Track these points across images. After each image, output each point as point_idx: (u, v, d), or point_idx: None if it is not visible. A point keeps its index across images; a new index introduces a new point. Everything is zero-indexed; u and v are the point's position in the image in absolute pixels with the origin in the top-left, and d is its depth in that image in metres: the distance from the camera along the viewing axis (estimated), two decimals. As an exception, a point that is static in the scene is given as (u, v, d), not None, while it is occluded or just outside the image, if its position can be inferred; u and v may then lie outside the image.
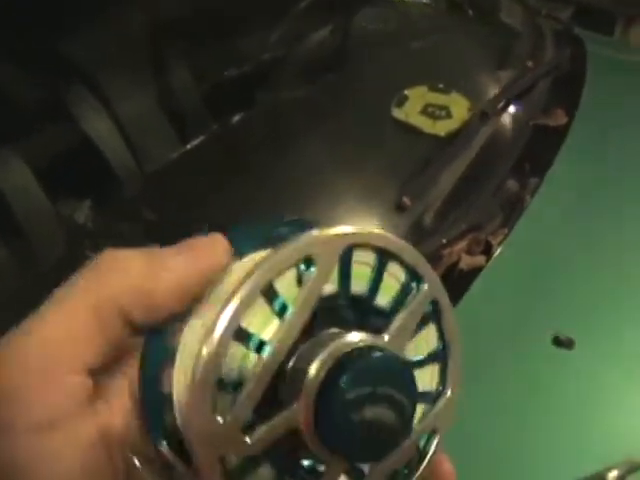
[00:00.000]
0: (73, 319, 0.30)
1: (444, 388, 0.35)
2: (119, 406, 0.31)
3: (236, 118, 1.28)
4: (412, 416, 0.31)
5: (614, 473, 0.71)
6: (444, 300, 0.34)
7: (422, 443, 0.34)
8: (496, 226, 0.97)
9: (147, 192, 1.18)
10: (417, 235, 0.94)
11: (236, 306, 0.29)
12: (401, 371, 0.31)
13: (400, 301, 0.33)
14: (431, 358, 0.34)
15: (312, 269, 0.30)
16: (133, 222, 1.12)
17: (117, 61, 1.27)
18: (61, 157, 1.11)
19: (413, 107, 1.11)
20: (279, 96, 1.29)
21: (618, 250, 0.94)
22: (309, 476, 0.31)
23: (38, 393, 0.29)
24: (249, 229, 0.34)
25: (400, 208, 0.94)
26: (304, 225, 0.33)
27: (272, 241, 0.31)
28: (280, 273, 0.30)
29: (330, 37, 1.29)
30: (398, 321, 0.33)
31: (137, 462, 0.29)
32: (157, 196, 1.18)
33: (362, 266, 0.32)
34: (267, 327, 0.30)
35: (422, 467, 0.34)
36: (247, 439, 0.29)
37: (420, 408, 0.34)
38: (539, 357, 0.84)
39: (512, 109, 1.12)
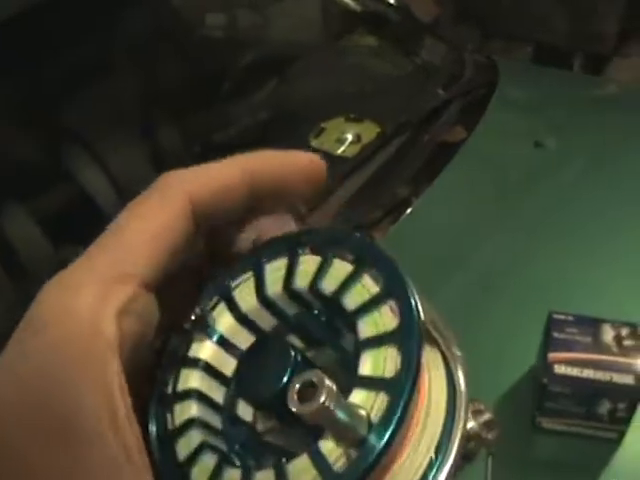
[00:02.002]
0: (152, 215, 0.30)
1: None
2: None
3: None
4: None
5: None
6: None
7: None
8: (384, 225, 1.13)
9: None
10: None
11: None
12: None
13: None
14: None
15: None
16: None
17: (110, 124, 1.42)
18: (61, 208, 1.26)
19: (329, 136, 1.30)
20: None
21: (469, 235, 1.11)
22: None
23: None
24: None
25: (299, 216, 1.12)
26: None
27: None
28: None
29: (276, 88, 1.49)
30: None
31: None
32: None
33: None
34: None
35: None
36: None
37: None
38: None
39: (417, 130, 1.29)
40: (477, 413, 0.78)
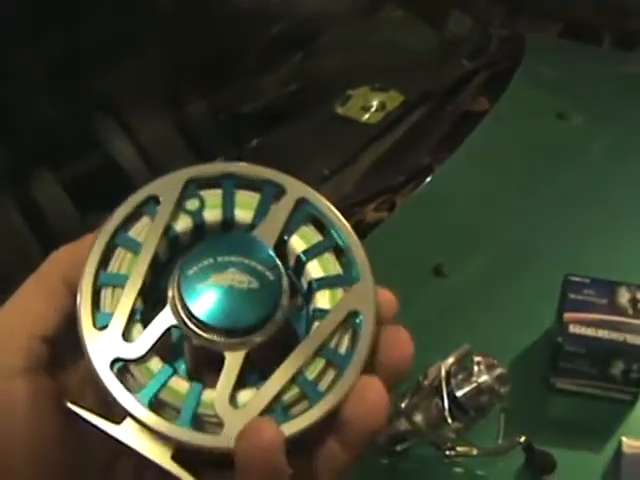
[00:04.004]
0: (25, 296, 0.35)
1: (349, 272, 0.35)
2: (74, 372, 0.35)
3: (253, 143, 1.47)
4: (278, 277, 0.33)
5: (450, 360, 0.86)
6: (313, 196, 0.35)
7: (354, 327, 0.34)
8: (406, 190, 1.15)
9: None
10: (336, 198, 1.12)
11: (92, 261, 0.33)
12: (246, 241, 0.33)
13: (263, 211, 0.35)
14: (319, 248, 0.35)
15: (158, 207, 0.34)
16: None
17: (140, 94, 1.45)
18: (90, 176, 1.28)
19: (355, 104, 1.31)
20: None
21: (490, 204, 1.12)
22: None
23: None
24: None
25: (322, 178, 1.14)
26: None
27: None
28: (128, 220, 0.34)
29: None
30: (266, 220, 0.35)
31: (74, 407, 0.32)
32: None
33: (214, 196, 0.35)
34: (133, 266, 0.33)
35: (358, 346, 0.33)
36: (132, 343, 0.32)
37: (337, 292, 0.34)
38: (422, 284, 1.01)
39: (441, 99, 1.30)
40: (490, 367, 0.80)
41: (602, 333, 0.84)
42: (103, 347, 0.31)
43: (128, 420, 0.31)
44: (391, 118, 1.23)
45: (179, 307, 0.32)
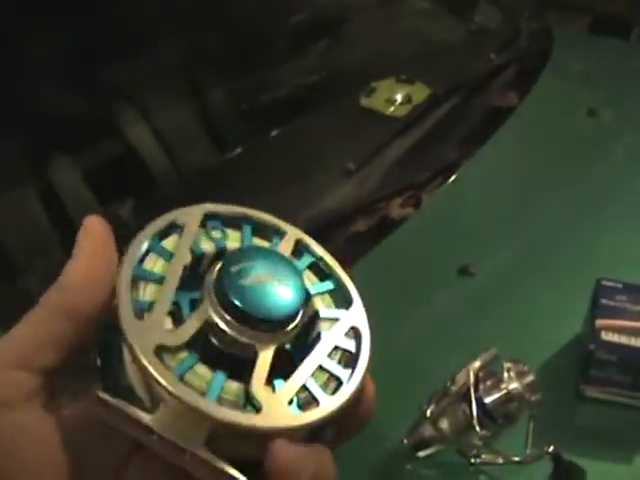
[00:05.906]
0: (25, 327, 0.34)
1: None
2: (75, 402, 0.34)
3: (273, 133, 1.45)
4: (301, 283, 0.37)
5: (476, 364, 0.83)
6: (308, 240, 0.40)
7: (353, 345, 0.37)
8: (433, 186, 1.12)
9: (182, 192, 1.35)
10: (360, 192, 1.10)
11: (131, 256, 0.35)
12: (279, 256, 0.38)
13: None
14: (321, 288, 0.39)
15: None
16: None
17: (158, 82, 1.44)
18: (109, 163, 1.28)
19: (380, 96, 1.28)
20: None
21: (519, 202, 1.09)
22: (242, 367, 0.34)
23: None
24: None
25: (347, 172, 1.12)
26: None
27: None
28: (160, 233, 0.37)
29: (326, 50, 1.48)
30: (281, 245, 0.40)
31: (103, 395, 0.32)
32: (191, 196, 1.34)
33: (234, 234, 0.39)
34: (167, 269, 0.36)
35: (359, 362, 0.36)
36: (172, 332, 0.33)
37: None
38: (447, 283, 0.99)
39: (469, 94, 1.27)
40: (520, 374, 0.78)
41: (636, 341, 0.81)
42: (145, 334, 0.33)
43: (162, 407, 0.31)
44: (417, 112, 1.20)
45: (217, 302, 0.34)
